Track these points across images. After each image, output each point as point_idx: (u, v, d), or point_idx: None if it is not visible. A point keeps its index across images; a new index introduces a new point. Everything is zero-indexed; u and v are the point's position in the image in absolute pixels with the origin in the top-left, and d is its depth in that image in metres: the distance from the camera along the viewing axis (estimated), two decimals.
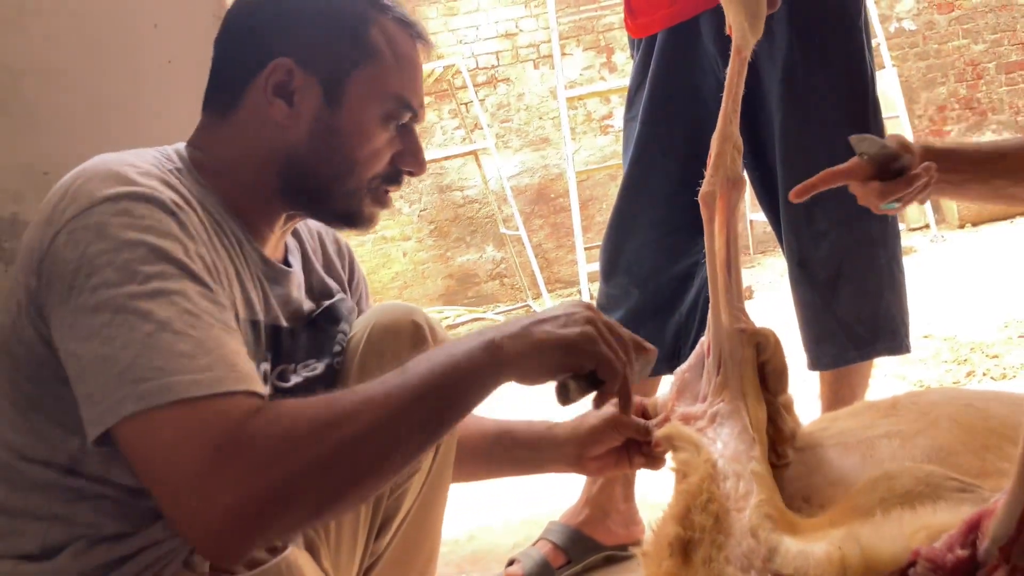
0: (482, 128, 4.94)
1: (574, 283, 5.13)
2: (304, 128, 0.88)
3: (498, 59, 5.51)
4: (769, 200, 1.60)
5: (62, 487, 0.77)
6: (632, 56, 1.72)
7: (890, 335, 1.56)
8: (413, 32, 0.93)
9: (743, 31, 1.04)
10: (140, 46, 1.37)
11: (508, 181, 5.02)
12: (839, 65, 1.51)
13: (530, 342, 0.78)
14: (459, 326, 4.91)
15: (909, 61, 5.56)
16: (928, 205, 4.87)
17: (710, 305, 0.94)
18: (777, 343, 0.92)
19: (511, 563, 1.57)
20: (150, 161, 0.82)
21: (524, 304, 5.12)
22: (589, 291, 4.21)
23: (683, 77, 1.59)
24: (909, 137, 5.04)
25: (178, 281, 0.72)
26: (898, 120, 5.03)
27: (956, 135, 5.61)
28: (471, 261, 5.52)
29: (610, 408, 1.00)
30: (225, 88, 0.90)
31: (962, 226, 5.12)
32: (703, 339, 1.00)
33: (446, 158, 5.06)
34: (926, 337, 2.91)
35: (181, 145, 0.92)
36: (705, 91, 1.58)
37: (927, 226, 4.96)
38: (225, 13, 0.92)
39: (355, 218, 0.94)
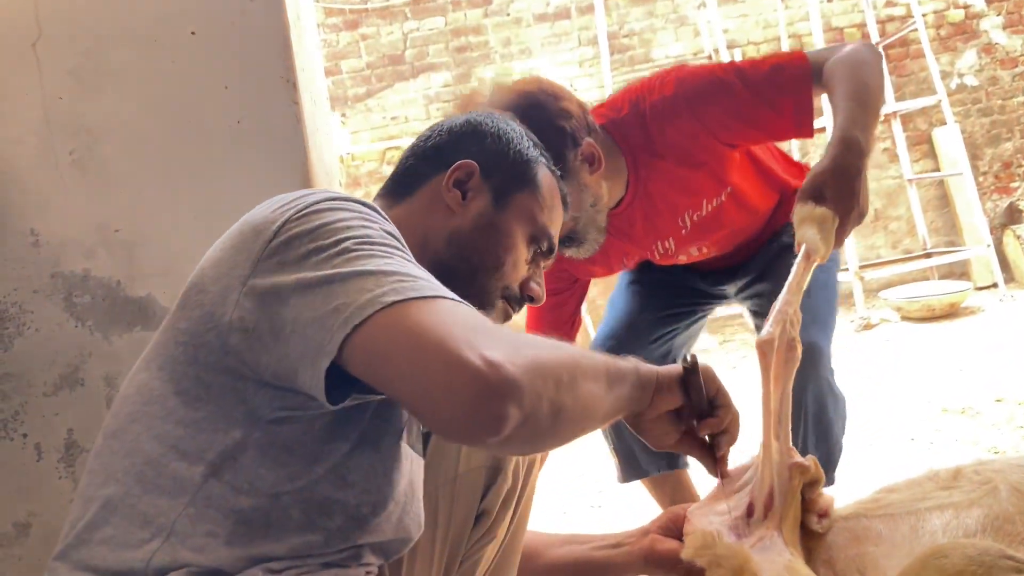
0: None
1: None
2: (470, 217, 1.00)
3: None
4: None
5: (193, 494, 0.76)
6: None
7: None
8: (562, 192, 1.10)
9: (816, 244, 1.18)
10: (211, 107, 1.42)
11: None
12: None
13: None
14: None
15: (972, 117, 5.47)
16: (995, 264, 4.72)
17: (762, 445, 1.02)
18: (817, 468, 1.00)
19: None
20: None
21: None
22: None
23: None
24: (973, 191, 4.87)
25: (400, 256, 0.78)
26: (962, 177, 4.92)
27: (1023, 191, 5.47)
28: None
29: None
30: (409, 180, 1.03)
31: None
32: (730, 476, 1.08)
33: None
34: (998, 401, 2.80)
35: None
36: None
37: (995, 285, 4.79)
38: (428, 130, 1.08)
39: None
